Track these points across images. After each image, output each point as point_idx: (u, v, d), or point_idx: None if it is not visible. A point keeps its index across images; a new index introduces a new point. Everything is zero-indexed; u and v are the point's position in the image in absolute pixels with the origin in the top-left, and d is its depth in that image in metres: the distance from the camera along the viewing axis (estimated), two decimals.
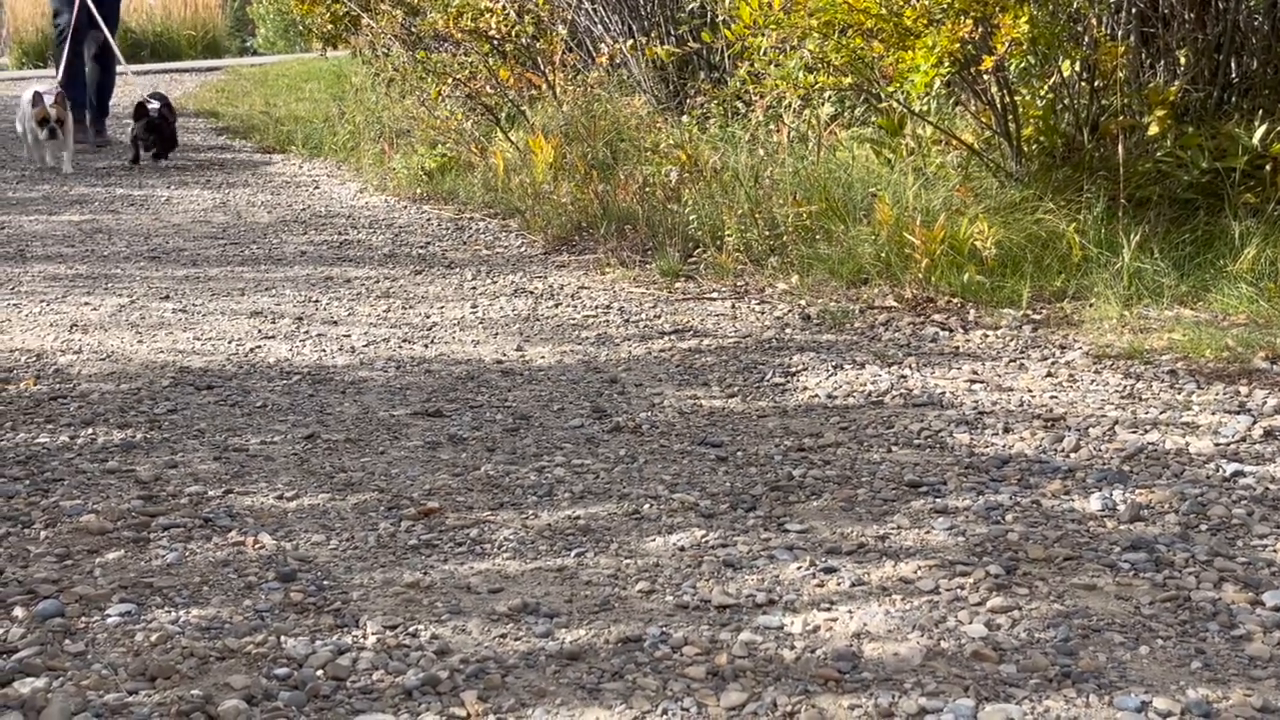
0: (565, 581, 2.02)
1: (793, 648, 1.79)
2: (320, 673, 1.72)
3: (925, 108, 4.53)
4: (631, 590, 1.98)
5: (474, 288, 4.23)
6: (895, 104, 4.40)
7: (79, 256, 4.82)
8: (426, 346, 3.50)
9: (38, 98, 7.08)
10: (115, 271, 4.54)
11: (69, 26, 7.76)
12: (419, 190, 6.17)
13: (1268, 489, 2.37)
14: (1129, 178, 3.93)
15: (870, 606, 1.92)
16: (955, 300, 3.73)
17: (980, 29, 3.84)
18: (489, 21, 6.22)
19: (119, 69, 8.38)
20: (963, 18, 3.76)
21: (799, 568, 2.06)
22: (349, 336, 3.61)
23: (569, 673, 1.73)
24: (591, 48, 6.48)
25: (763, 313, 3.79)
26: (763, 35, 4.41)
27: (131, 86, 9.31)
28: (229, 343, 3.55)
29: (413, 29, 7.11)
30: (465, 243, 5.02)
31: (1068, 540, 2.15)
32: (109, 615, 1.88)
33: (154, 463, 2.56)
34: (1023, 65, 4.34)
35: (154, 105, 7.30)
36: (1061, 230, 3.83)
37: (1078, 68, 4.21)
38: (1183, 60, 4.19)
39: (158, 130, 7.28)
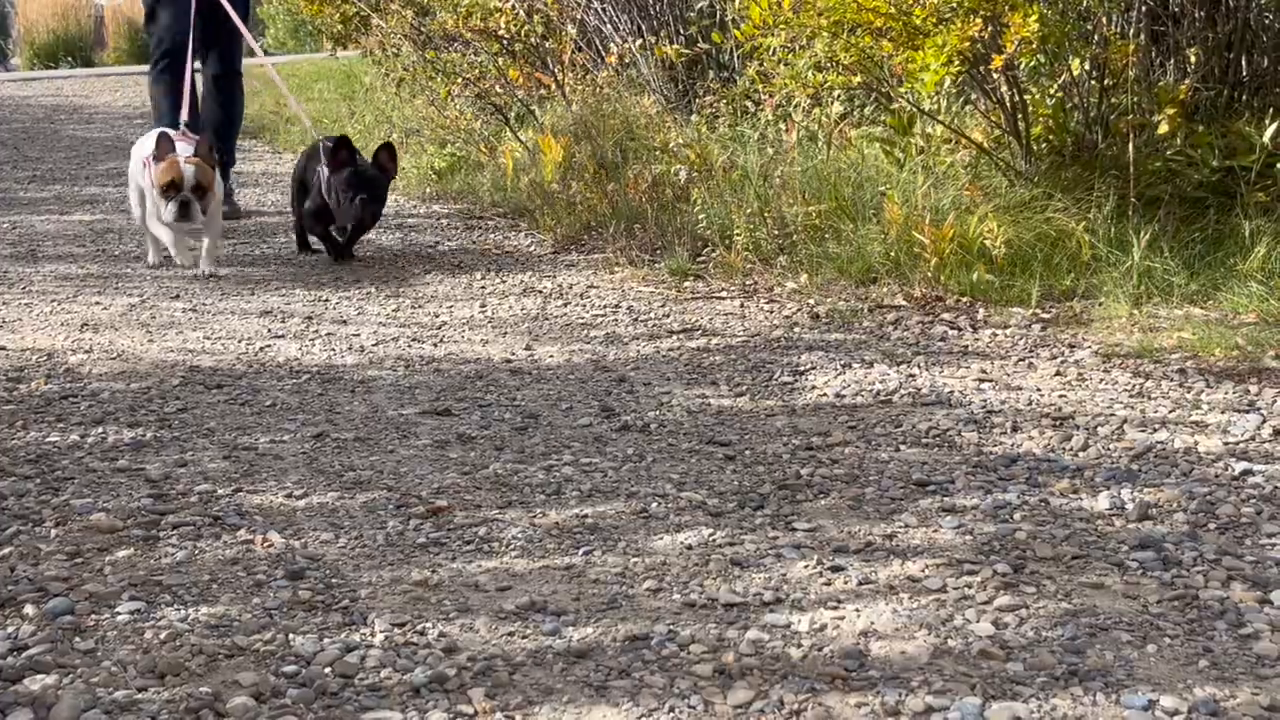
0: (573, 580, 2.02)
1: (800, 646, 1.79)
2: (328, 670, 1.73)
3: (935, 107, 4.53)
4: (639, 589, 1.99)
5: (483, 287, 4.23)
6: (905, 103, 4.40)
7: (90, 256, 4.84)
8: (435, 345, 3.51)
9: (165, 144, 4.30)
10: (126, 271, 4.56)
11: (172, 34, 5.26)
12: (428, 190, 6.19)
13: (1277, 488, 2.36)
14: (1139, 176, 3.92)
15: (877, 605, 1.92)
16: (964, 299, 3.72)
17: (990, 28, 3.84)
18: (498, 21, 6.23)
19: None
20: (972, 16, 3.75)
21: (806, 566, 2.06)
22: (358, 336, 3.62)
23: (576, 670, 1.73)
24: (601, 47, 6.48)
25: (771, 312, 3.79)
26: (773, 35, 4.41)
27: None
28: (239, 342, 3.56)
29: (422, 29, 7.12)
30: (474, 242, 5.03)
31: (1075, 539, 2.15)
32: (119, 613, 1.89)
33: (164, 461, 2.57)
34: (1032, 64, 4.34)
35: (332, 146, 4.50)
36: (1071, 229, 3.82)
37: (1087, 66, 4.20)
38: (1193, 58, 4.18)
39: (369, 186, 4.44)
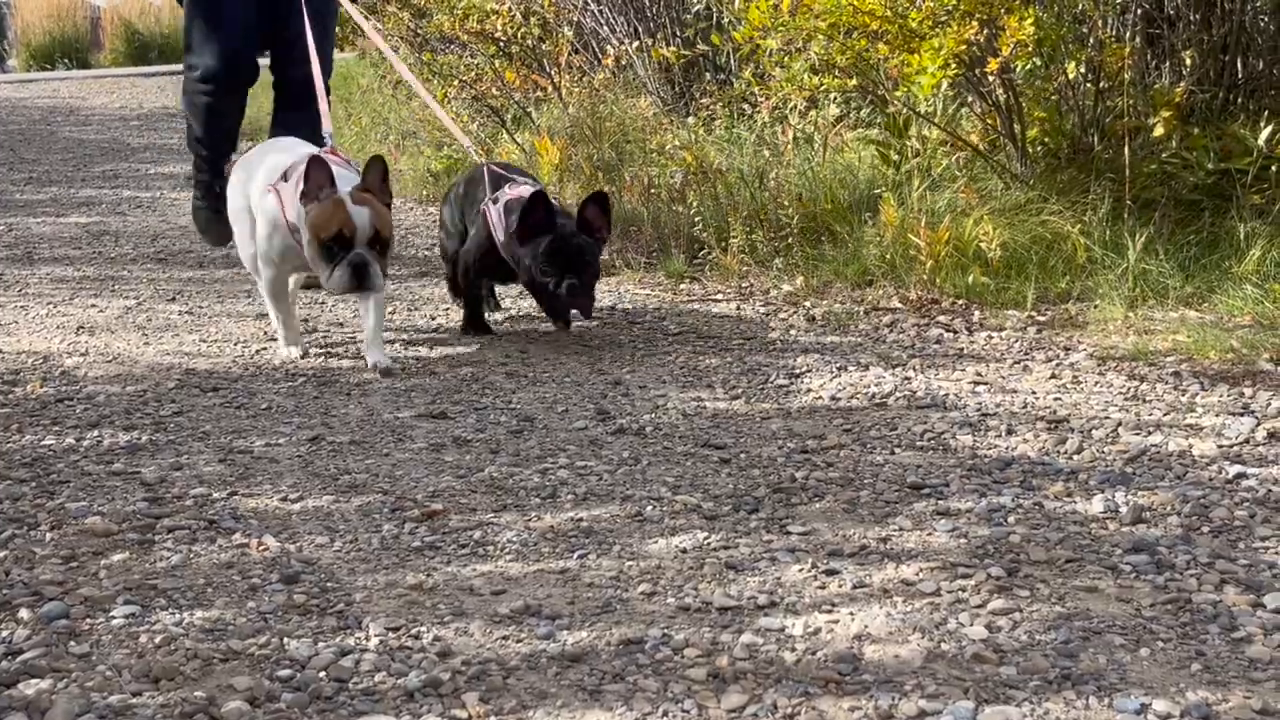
0: (568, 583, 2.02)
1: (794, 650, 1.80)
2: (323, 674, 1.73)
3: (930, 109, 4.53)
4: (633, 592, 1.99)
5: None
6: (900, 106, 4.40)
7: (86, 259, 4.83)
8: (431, 348, 3.51)
9: (320, 173, 3.04)
10: (122, 274, 4.56)
11: (227, 38, 4.01)
12: (425, 192, 6.19)
13: (1270, 491, 2.36)
14: (1134, 179, 3.93)
15: (871, 608, 1.92)
16: (960, 302, 3.73)
17: (985, 31, 3.84)
18: (495, 23, 6.24)
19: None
20: (968, 20, 3.76)
21: (800, 570, 2.06)
22: (354, 339, 3.61)
23: (570, 674, 1.73)
24: (597, 49, 6.48)
25: (767, 314, 3.79)
26: (771, 38, 4.42)
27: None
28: (235, 345, 3.56)
29: (419, 31, 7.12)
30: None
31: (1069, 542, 2.15)
32: (113, 617, 1.89)
33: (159, 465, 2.57)
34: (1028, 67, 4.34)
35: (526, 195, 3.31)
36: (1066, 232, 3.83)
37: (1083, 69, 4.21)
38: (1188, 61, 4.18)
39: (577, 264, 3.26)
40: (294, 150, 3.33)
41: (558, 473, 2.52)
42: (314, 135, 3.57)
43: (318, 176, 3.04)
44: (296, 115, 4.03)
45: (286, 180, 3.20)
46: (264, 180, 3.28)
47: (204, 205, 4.46)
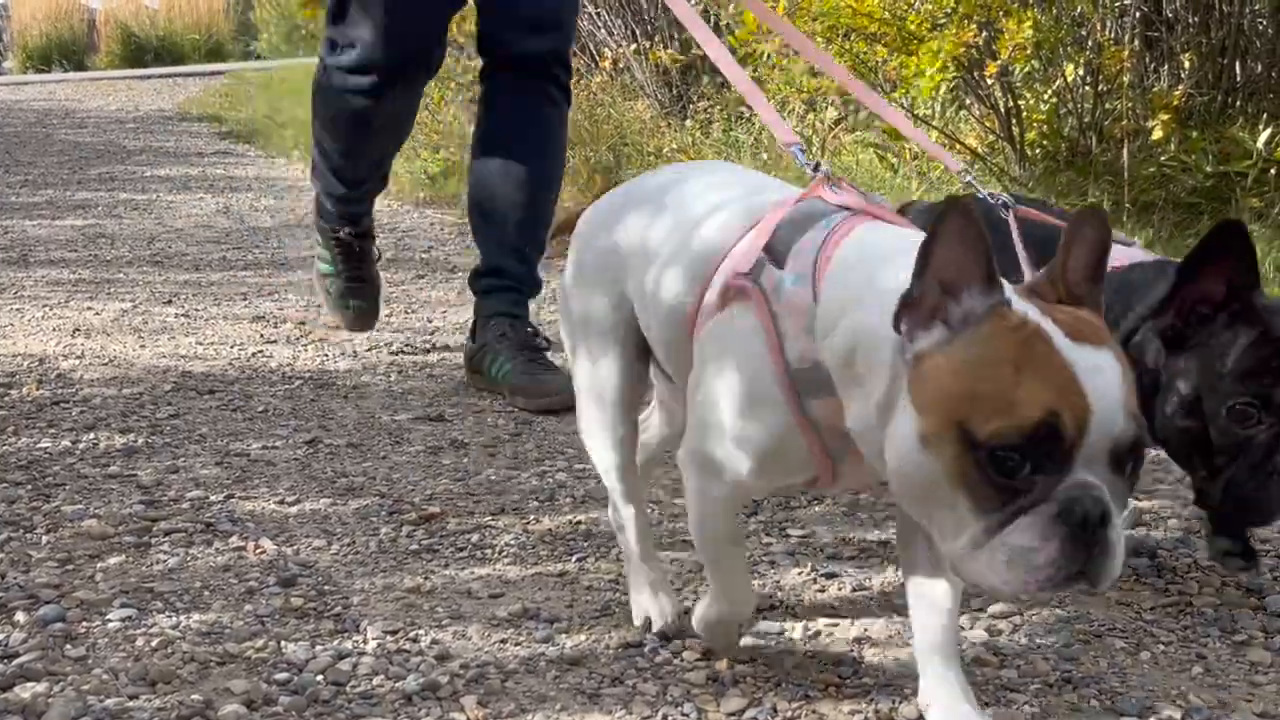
0: (566, 586, 2.02)
1: (793, 652, 1.79)
2: (320, 678, 1.72)
3: (929, 112, 4.53)
4: None
5: None
6: (899, 108, 4.40)
7: (82, 261, 4.82)
8: (429, 351, 3.50)
9: (960, 240, 1.13)
10: (118, 276, 4.55)
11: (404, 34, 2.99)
12: (422, 194, 6.18)
13: None
14: (1133, 182, 3.93)
15: (871, 611, 1.91)
16: None
17: (984, 33, 3.84)
18: None
19: None
20: (967, 22, 3.76)
21: (800, 573, 2.05)
22: (351, 341, 3.61)
23: (569, 678, 1.73)
24: (595, 52, 6.48)
25: None
26: (768, 40, 4.42)
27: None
28: (231, 347, 3.55)
29: None
30: (468, 247, 5.01)
31: None
32: (110, 620, 1.88)
33: (155, 467, 2.56)
34: (1027, 69, 4.35)
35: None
36: None
37: (1081, 72, 4.21)
38: (1187, 64, 4.19)
39: None
40: (760, 189, 1.60)
41: (556, 475, 2.52)
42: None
43: (950, 249, 1.18)
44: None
45: (779, 264, 1.42)
46: (701, 254, 1.53)
47: (343, 271, 3.35)
